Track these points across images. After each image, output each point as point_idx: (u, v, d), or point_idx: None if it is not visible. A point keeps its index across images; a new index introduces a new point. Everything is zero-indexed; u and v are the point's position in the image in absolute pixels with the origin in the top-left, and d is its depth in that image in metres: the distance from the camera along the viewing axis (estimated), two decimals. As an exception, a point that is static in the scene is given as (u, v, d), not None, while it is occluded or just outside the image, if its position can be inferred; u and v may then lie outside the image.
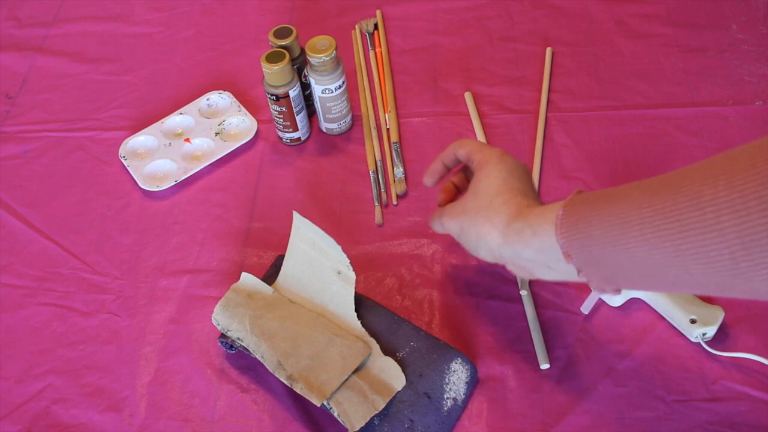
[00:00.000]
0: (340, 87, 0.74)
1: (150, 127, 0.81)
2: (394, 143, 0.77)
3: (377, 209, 0.72)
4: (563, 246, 0.45)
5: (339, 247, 0.61)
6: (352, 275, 0.62)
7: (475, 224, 0.53)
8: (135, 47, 0.92)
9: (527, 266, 0.51)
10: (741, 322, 0.61)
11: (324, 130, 0.80)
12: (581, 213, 0.45)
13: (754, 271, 0.36)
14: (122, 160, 0.79)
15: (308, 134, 0.80)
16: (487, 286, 0.66)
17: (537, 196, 0.54)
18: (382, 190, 0.74)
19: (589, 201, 0.45)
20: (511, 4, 0.91)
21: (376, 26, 0.90)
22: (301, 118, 0.77)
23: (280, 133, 0.79)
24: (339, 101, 0.76)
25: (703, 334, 0.59)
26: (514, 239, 0.50)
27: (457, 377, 0.59)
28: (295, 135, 0.78)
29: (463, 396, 0.59)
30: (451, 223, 0.57)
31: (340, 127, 0.79)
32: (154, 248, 0.72)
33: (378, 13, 0.91)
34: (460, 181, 0.63)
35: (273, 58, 0.71)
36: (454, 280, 0.67)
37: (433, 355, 0.60)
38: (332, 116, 0.78)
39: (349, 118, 0.80)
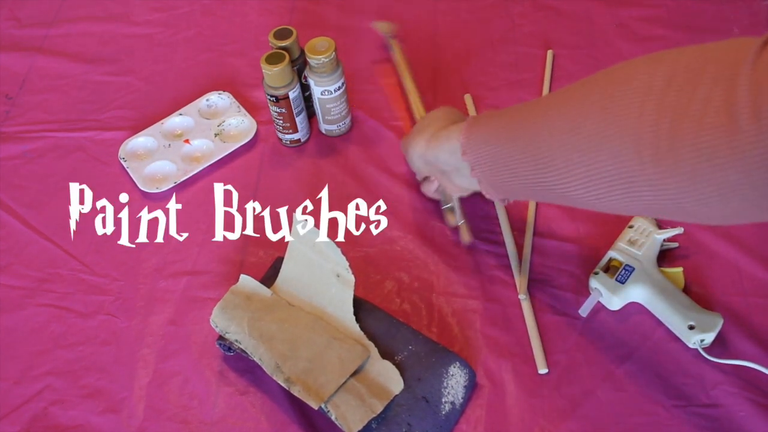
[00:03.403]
0: (339, 88, 0.74)
1: (150, 128, 0.81)
2: None
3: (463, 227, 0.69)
4: (463, 145, 0.56)
5: (338, 250, 0.61)
6: (351, 278, 0.62)
7: (412, 139, 0.65)
8: (135, 47, 0.92)
9: (445, 170, 0.61)
10: (739, 329, 0.61)
11: (323, 132, 0.80)
12: (480, 123, 0.56)
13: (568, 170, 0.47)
14: (122, 161, 0.78)
15: (308, 135, 0.80)
16: (485, 290, 0.66)
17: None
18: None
19: (490, 115, 0.56)
20: (511, 6, 0.91)
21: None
22: (300, 120, 0.77)
23: (280, 135, 0.79)
24: (338, 102, 0.76)
25: (701, 341, 0.59)
26: (434, 144, 0.61)
27: (455, 381, 0.59)
28: (295, 136, 0.78)
29: (461, 400, 0.59)
30: (403, 143, 0.70)
31: (339, 129, 0.79)
32: (153, 250, 0.72)
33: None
34: None
35: (273, 59, 0.71)
36: (453, 284, 0.67)
37: (432, 359, 0.60)
38: (331, 117, 0.77)
39: (348, 120, 0.79)
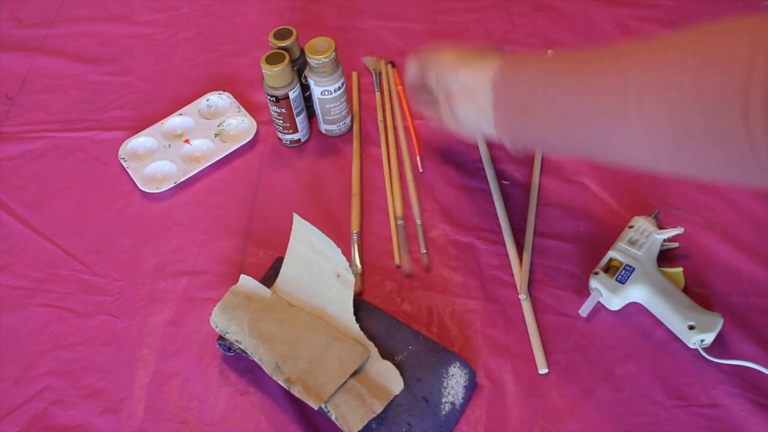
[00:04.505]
0: (339, 88, 0.74)
1: (150, 128, 0.81)
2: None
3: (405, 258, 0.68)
4: (496, 73, 0.53)
5: (339, 250, 0.61)
6: (352, 278, 0.62)
7: (444, 51, 0.60)
8: (135, 47, 0.92)
9: (454, 93, 0.57)
10: (739, 329, 0.61)
11: (323, 132, 0.80)
12: (521, 57, 0.54)
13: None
14: (122, 161, 0.78)
15: (308, 136, 0.80)
16: (486, 290, 0.66)
17: None
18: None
19: (534, 55, 0.54)
20: (511, 6, 0.91)
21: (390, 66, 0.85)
22: (300, 120, 0.77)
23: (280, 135, 0.79)
24: (338, 103, 0.76)
25: (702, 341, 0.59)
26: (464, 58, 0.57)
27: (455, 381, 0.59)
28: (295, 136, 0.78)
29: (461, 400, 0.59)
30: (424, 57, 0.63)
31: (339, 129, 0.79)
32: (153, 250, 0.72)
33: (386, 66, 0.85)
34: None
35: (273, 59, 0.71)
36: (453, 284, 0.67)
37: (432, 359, 0.60)
38: (331, 118, 0.77)
39: (348, 120, 0.79)
